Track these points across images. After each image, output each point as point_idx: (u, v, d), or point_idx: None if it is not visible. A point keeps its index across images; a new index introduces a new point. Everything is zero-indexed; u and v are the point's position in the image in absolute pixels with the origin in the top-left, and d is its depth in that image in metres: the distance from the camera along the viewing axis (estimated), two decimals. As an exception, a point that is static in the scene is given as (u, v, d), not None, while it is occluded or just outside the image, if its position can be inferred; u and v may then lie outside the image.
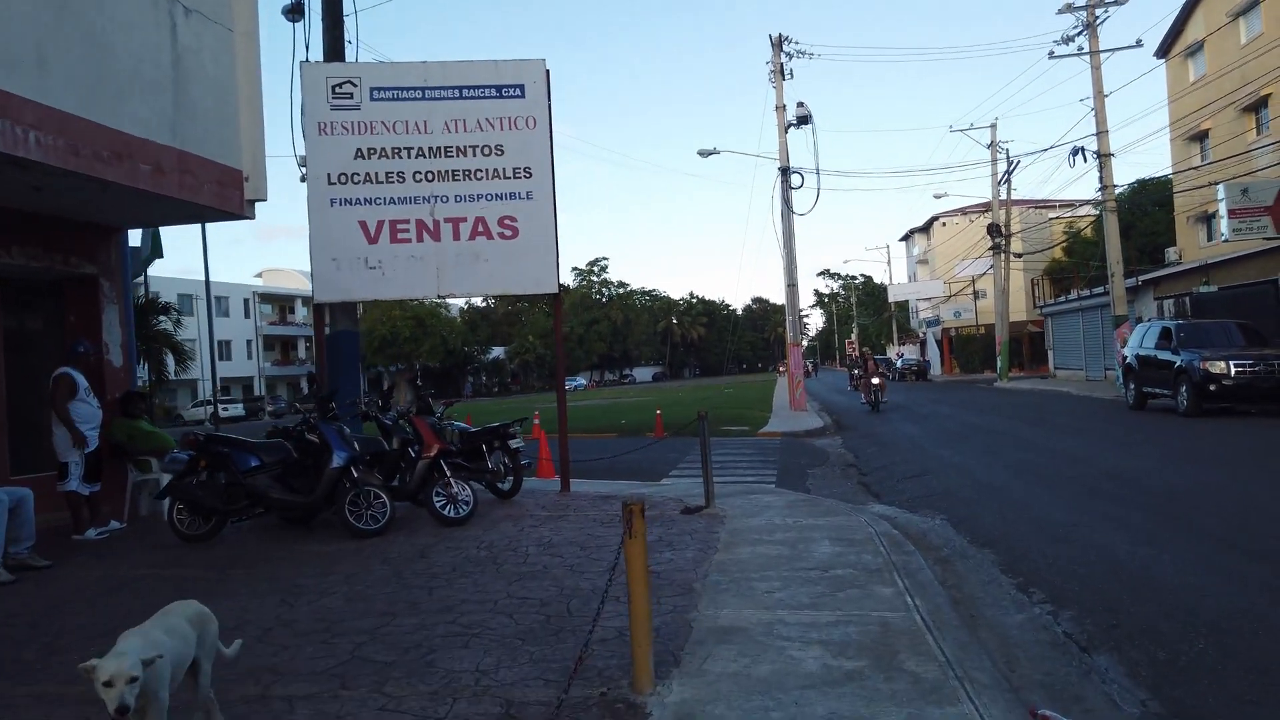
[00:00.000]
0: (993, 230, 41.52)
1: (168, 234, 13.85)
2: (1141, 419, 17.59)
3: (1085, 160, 26.70)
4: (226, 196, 9.20)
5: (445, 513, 8.52)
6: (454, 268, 10.36)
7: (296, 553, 7.68)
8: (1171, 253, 37.00)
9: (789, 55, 28.48)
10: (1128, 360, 19.51)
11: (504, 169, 10.48)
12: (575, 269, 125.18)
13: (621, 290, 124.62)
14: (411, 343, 76.40)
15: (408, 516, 8.96)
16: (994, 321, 55.23)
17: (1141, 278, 29.81)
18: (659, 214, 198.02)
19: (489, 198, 10.43)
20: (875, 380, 25.76)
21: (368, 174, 10.23)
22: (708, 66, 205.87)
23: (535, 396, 75.88)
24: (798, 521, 8.23)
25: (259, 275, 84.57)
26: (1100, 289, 35.06)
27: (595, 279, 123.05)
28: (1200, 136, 34.03)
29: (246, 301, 73.14)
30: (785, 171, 28.02)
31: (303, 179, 10.22)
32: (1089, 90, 27.08)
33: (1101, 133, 26.55)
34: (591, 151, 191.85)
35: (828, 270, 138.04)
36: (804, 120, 28.06)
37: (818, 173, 27.26)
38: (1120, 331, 26.48)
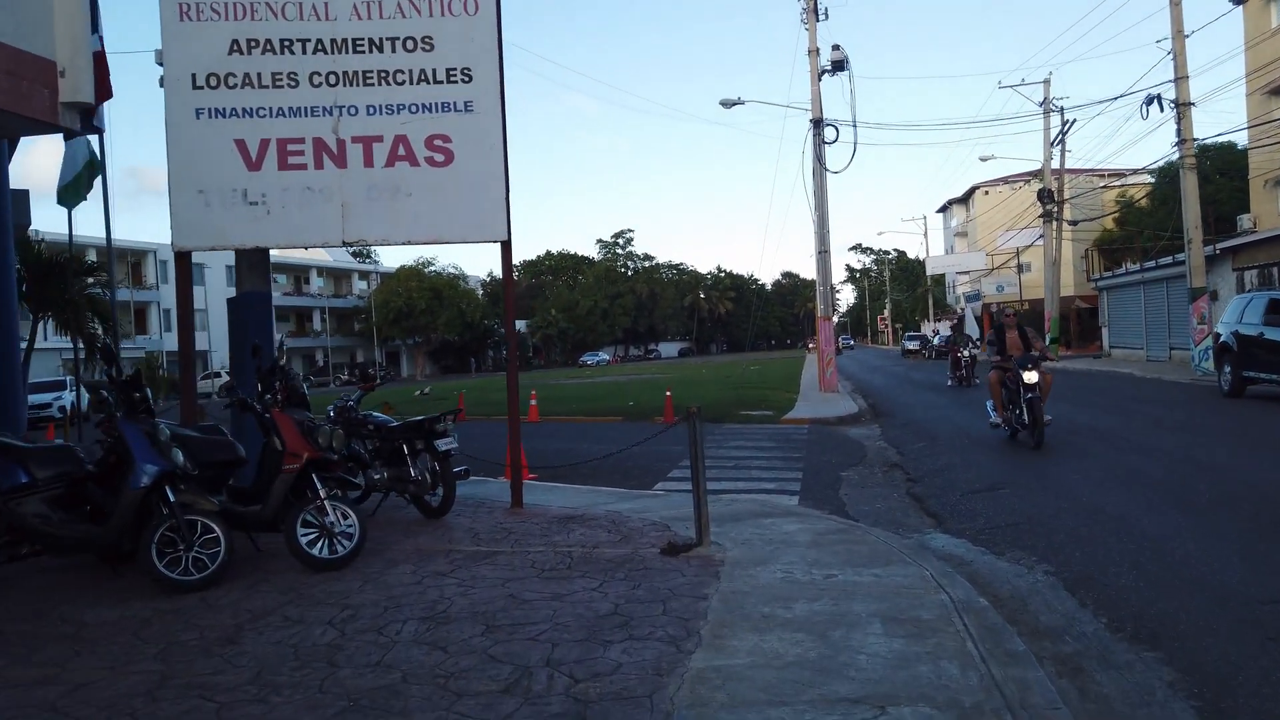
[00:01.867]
0: (1043, 196, 38.10)
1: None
2: (1248, 409, 14.57)
3: (1161, 109, 23.36)
4: (27, 95, 6.52)
5: (314, 551, 5.87)
6: (365, 205, 7.65)
7: (53, 620, 5.04)
8: (1245, 220, 33.52)
9: (823, -8, 25.31)
10: (1222, 339, 16.42)
11: (434, 70, 7.71)
12: (600, 241, 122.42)
13: (647, 263, 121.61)
14: (427, 315, 74.13)
15: (271, 553, 6.29)
16: (1040, 296, 51.82)
17: (1219, 245, 26.46)
18: (684, 180, 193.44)
19: (413, 109, 7.68)
20: (1031, 375, 11.17)
21: (247, 75, 7.52)
22: (732, 5, 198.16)
23: (555, 371, 73.43)
24: (830, 576, 5.47)
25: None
26: (1166, 259, 31.69)
27: (620, 251, 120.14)
28: (1284, 90, 30.48)
29: (259, 271, 71.13)
30: (818, 124, 24.98)
31: (161, 82, 7.53)
32: (1151, 36, 23.71)
33: (1181, 78, 23.18)
34: (610, 111, 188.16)
35: (860, 245, 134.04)
36: (839, 66, 24.98)
37: (854, 125, 24.35)
38: (1197, 306, 23.28)
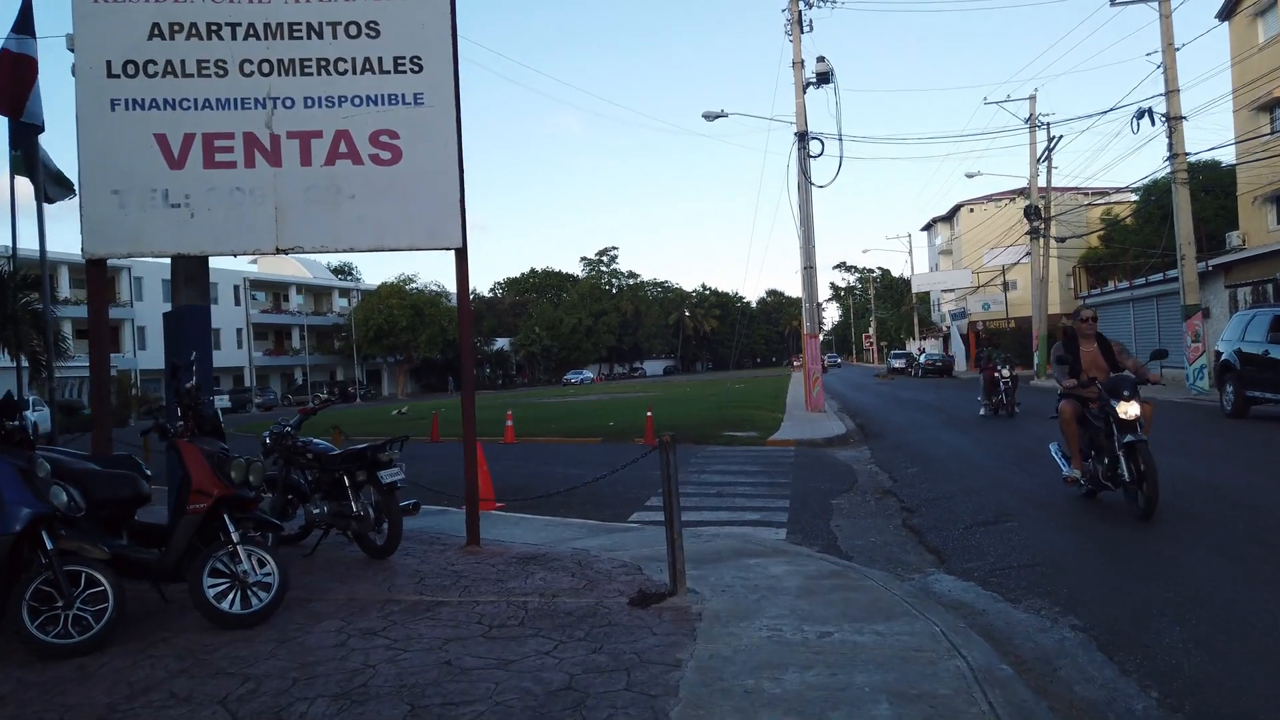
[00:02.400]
0: (1030, 213, 37.69)
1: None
2: (1255, 431, 13.91)
3: (1153, 123, 22.89)
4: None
5: (224, 605, 5.02)
6: (303, 208, 6.84)
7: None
8: (1234, 237, 33.13)
9: (808, 3, 24.82)
10: (1223, 357, 15.79)
11: (380, 58, 6.94)
12: (584, 258, 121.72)
13: (632, 281, 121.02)
14: (409, 333, 73.08)
15: (182, 604, 5.43)
16: (1027, 314, 51.48)
17: (1211, 262, 25.98)
18: (669, 197, 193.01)
19: (357, 101, 6.90)
20: (1129, 408, 7.52)
21: (169, 63, 6.72)
22: (715, 17, 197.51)
23: (538, 390, 72.48)
24: (825, 635, 4.67)
25: (254, 261, 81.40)
26: (1156, 276, 31.26)
27: (605, 269, 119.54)
28: (1271, 105, 30.18)
29: (237, 288, 69.91)
30: (803, 137, 24.38)
31: (73, 70, 6.73)
32: (1139, 50, 23.29)
33: (1172, 92, 22.75)
34: (594, 125, 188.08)
35: (844, 263, 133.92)
36: (824, 78, 24.42)
37: (840, 138, 23.67)
38: (1191, 323, 22.75)
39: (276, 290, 76.76)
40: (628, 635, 4.73)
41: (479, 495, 9.50)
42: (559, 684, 4.03)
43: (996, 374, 19.09)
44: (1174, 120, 22.79)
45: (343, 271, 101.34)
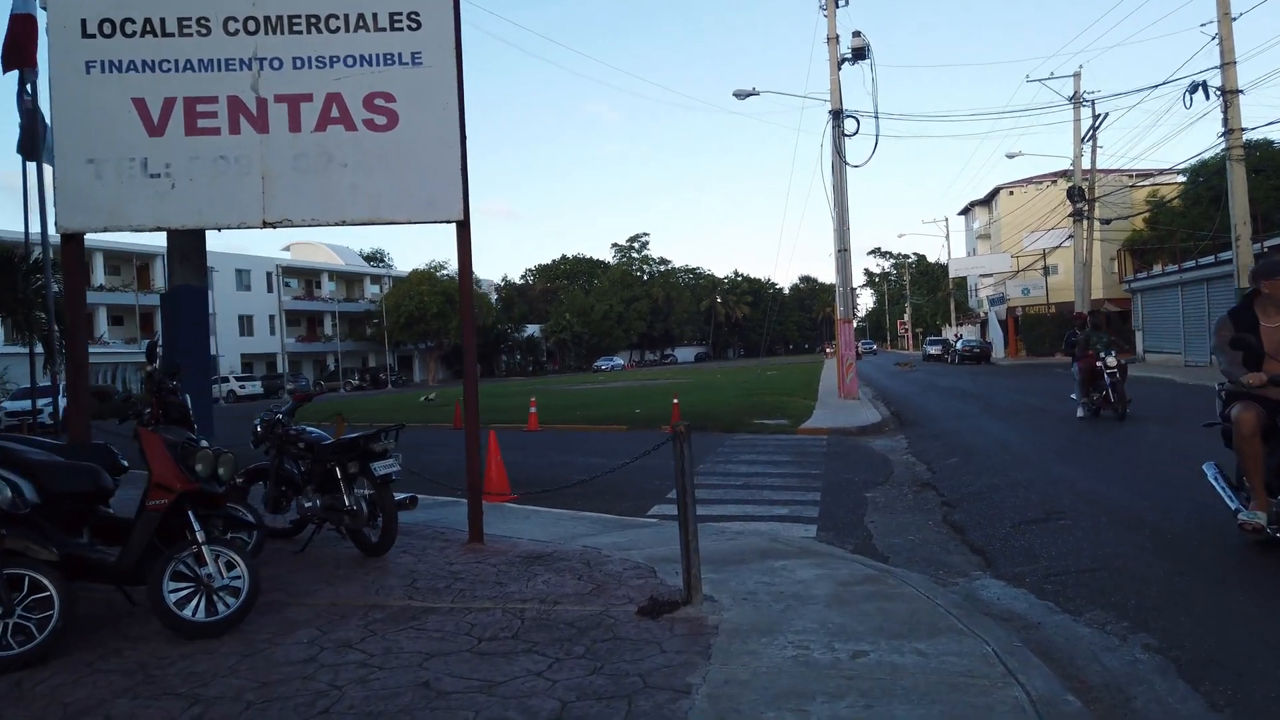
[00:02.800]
0: (1074, 194, 36.46)
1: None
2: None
3: (1207, 97, 21.79)
4: None
5: (186, 612, 4.53)
6: (292, 177, 6.32)
7: None
8: (1288, 218, 31.74)
9: (843, -24, 23.90)
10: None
11: (374, 14, 6.39)
12: (615, 245, 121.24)
13: (663, 267, 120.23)
14: (440, 319, 72.97)
15: (144, 611, 4.93)
16: (1068, 299, 50.10)
17: (1266, 244, 24.79)
18: (701, 180, 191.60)
19: (349, 61, 6.36)
20: None
21: (149, 21, 6.22)
22: None
23: (568, 376, 72.17)
24: (859, 655, 4.07)
25: (287, 249, 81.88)
26: (1207, 259, 30.03)
27: (636, 255, 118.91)
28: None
29: (270, 275, 70.18)
30: (837, 115, 23.57)
31: (46, 30, 6.25)
32: (1192, 22, 22.13)
33: (1228, 64, 21.62)
34: (625, 106, 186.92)
35: (879, 249, 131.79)
36: (860, 54, 23.56)
37: (876, 116, 22.89)
38: (1246, 307, 21.61)
39: (309, 277, 77.06)
40: (633, 652, 4.17)
41: (484, 487, 9.00)
42: (549, 713, 3.48)
43: (1099, 363, 14.86)
44: (1230, 94, 21.67)
45: (375, 259, 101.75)
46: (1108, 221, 37.04)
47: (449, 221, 6.45)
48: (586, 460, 13.29)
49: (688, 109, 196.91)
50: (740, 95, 24.83)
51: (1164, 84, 33.44)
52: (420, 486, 8.59)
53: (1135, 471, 9.45)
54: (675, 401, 17.59)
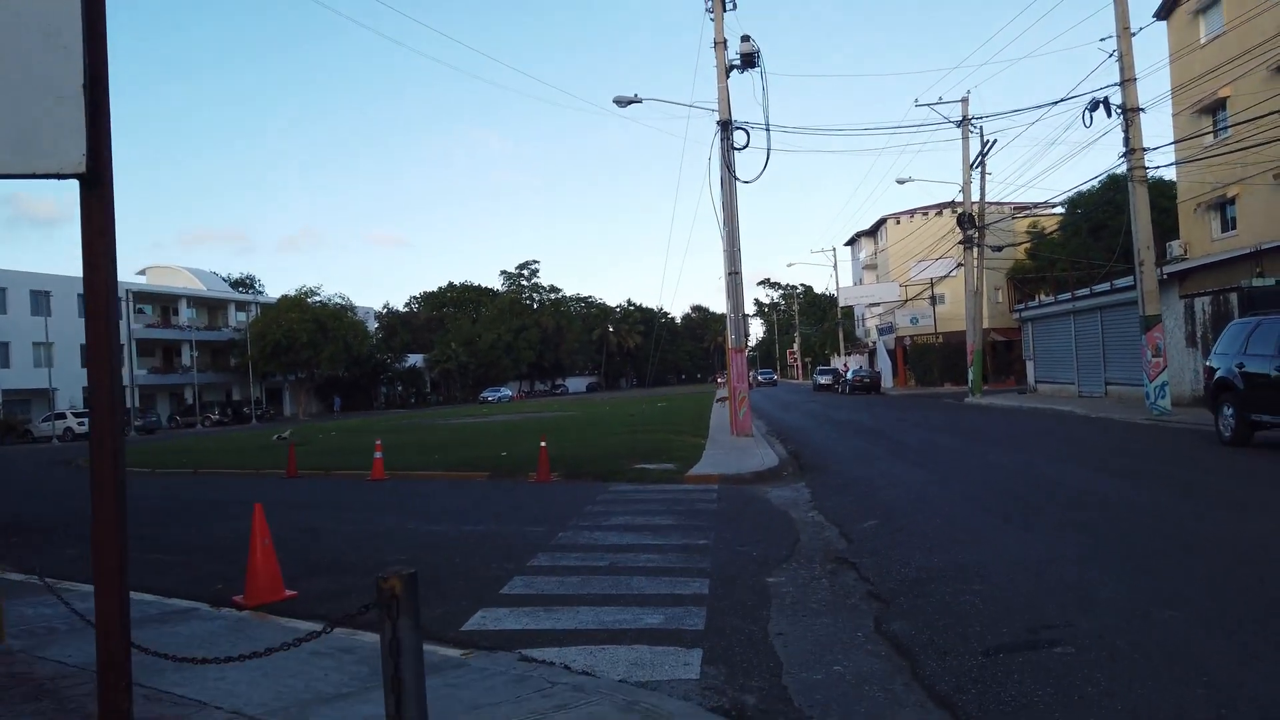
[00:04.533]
0: (964, 221, 35.78)
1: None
2: (1269, 463, 11.46)
3: (1109, 114, 20.75)
4: None
5: None
6: None
7: None
8: (1175, 246, 31.60)
9: (731, -25, 22.05)
10: (1219, 374, 13.37)
11: None
12: (504, 272, 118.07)
13: (554, 295, 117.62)
14: (310, 349, 68.35)
15: None
16: (956, 329, 49.97)
17: (1165, 270, 24.02)
18: (589, 203, 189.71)
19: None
20: None
21: None
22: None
23: (450, 409, 68.47)
24: None
25: (142, 273, 75.59)
26: (1103, 286, 29.43)
27: (525, 283, 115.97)
28: (1214, 107, 28.67)
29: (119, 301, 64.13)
30: (726, 126, 21.62)
31: None
32: (1090, 37, 21.19)
33: (1128, 81, 20.65)
34: (511, 126, 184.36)
35: (768, 279, 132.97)
36: (749, 61, 21.74)
37: (767, 128, 20.99)
38: (1151, 336, 20.56)
39: (165, 303, 71.12)
40: None
41: (249, 580, 6.26)
42: None
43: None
44: (1131, 112, 20.68)
45: (244, 285, 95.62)
46: (999, 248, 36.47)
47: (64, 175, 3.72)
48: (423, 527, 10.55)
49: (577, 112, 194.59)
50: (621, 102, 22.62)
51: (1063, 100, 32.92)
52: (149, 573, 5.73)
53: (1154, 548, 7.37)
54: (543, 445, 14.96)
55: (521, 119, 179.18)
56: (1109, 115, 20.64)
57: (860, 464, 14.77)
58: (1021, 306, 37.87)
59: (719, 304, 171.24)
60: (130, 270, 69.67)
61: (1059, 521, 8.46)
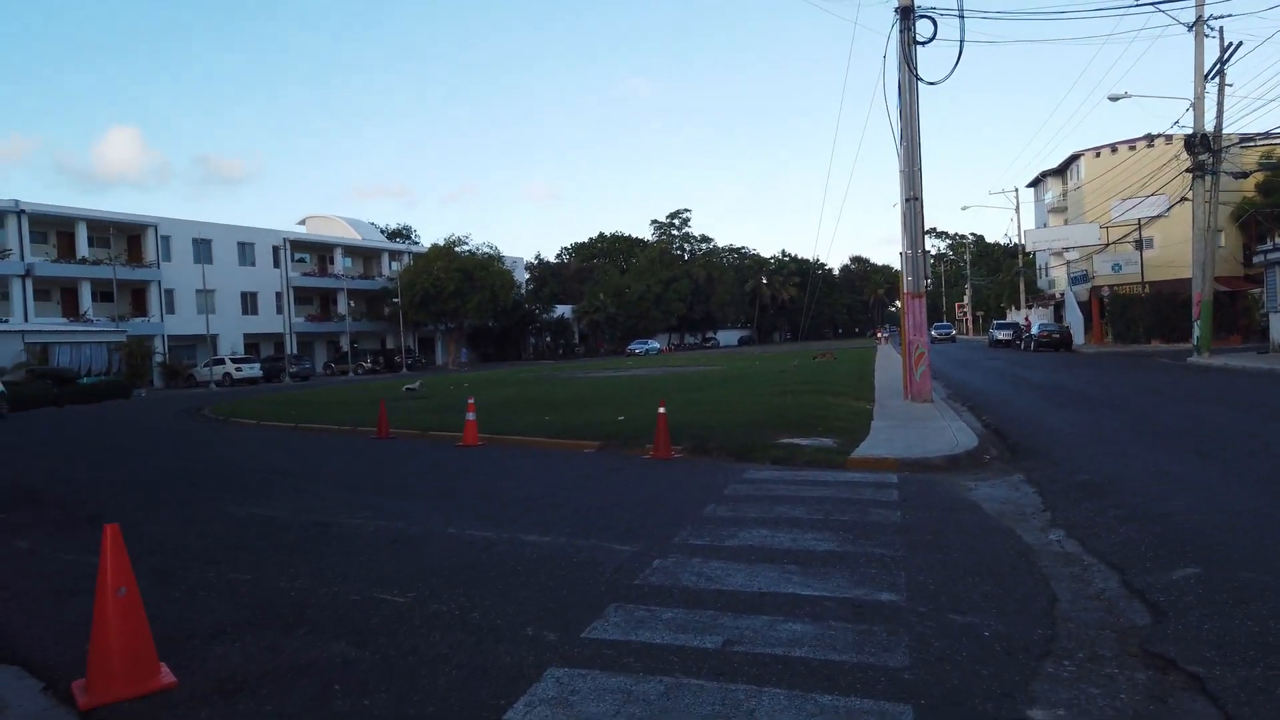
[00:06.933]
0: (1194, 144, 29.45)
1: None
2: None
3: None
4: None
5: None
6: None
7: None
8: None
9: None
10: None
11: None
12: (654, 221, 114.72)
13: (705, 245, 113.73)
14: (457, 298, 67.64)
15: None
16: (1165, 277, 43.05)
17: None
18: (745, 149, 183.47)
19: None
20: None
21: None
22: None
23: (595, 361, 66.42)
24: None
25: (302, 222, 77.17)
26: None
27: (676, 232, 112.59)
28: None
29: (276, 249, 65.28)
30: (907, 13, 17.26)
31: None
32: None
33: None
34: (663, 67, 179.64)
35: (934, 229, 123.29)
36: (939, -69, 17.15)
37: (960, 14, 16.55)
38: None
39: (322, 252, 72.13)
40: None
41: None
42: None
43: None
44: None
45: (401, 235, 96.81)
46: (1244, 174, 29.87)
47: None
48: (462, 532, 7.43)
49: (728, 34, 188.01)
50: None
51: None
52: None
53: None
54: (661, 411, 11.56)
55: (675, 62, 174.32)
56: None
57: (1100, 448, 10.59)
58: (1266, 248, 31.19)
59: (879, 255, 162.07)
60: (290, 221, 70.97)
61: None
